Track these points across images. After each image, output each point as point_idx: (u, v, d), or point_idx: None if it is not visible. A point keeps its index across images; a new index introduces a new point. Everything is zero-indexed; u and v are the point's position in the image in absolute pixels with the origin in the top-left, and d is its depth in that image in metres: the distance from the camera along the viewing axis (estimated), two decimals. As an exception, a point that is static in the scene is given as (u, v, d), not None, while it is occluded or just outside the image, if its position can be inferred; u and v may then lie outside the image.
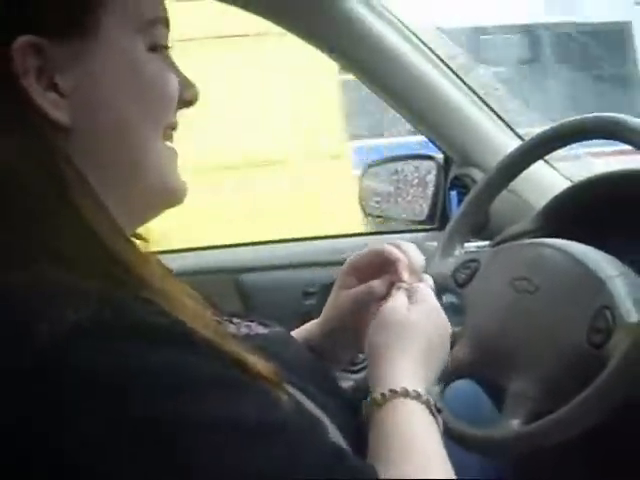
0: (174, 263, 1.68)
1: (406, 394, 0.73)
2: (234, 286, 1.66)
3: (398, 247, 0.91)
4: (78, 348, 0.55)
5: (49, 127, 0.65)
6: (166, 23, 0.73)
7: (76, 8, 0.66)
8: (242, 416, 0.58)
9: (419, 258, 0.91)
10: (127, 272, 0.63)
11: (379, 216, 1.84)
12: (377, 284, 0.91)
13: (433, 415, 0.74)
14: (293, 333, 0.98)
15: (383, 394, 0.74)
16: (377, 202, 1.85)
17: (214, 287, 1.61)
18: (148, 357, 0.57)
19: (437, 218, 1.70)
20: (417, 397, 0.74)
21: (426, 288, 0.86)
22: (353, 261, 0.95)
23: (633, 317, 0.90)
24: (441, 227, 1.34)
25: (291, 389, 0.71)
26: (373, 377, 0.78)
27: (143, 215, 0.76)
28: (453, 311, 1.18)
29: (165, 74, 0.71)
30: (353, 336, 0.92)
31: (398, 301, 0.83)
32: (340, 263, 0.96)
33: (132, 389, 0.55)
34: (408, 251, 0.90)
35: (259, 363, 0.64)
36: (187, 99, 0.75)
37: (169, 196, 0.75)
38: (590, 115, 1.10)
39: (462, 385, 1.18)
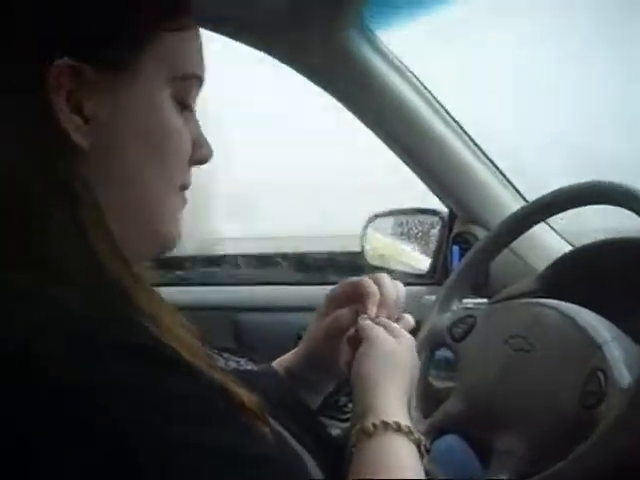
0: (174, 297, 1.71)
1: (398, 429, 0.74)
2: (230, 324, 1.66)
3: (375, 280, 0.92)
4: (58, 359, 0.55)
5: (69, 147, 0.66)
6: (199, 83, 0.75)
7: (123, 42, 0.68)
8: (223, 444, 0.58)
9: (393, 292, 0.92)
10: (122, 294, 0.63)
11: (380, 267, 1.85)
12: (342, 313, 0.93)
13: (421, 455, 0.75)
14: (276, 362, 1.00)
15: (375, 424, 0.74)
16: (380, 253, 1.86)
17: (211, 324, 1.63)
18: (130, 375, 0.56)
19: (438, 273, 1.70)
20: (408, 433, 0.74)
21: (394, 324, 0.88)
22: (332, 292, 0.97)
23: (626, 381, 0.90)
24: (441, 282, 1.35)
25: (275, 425, 0.71)
26: (364, 406, 0.78)
27: (136, 254, 0.75)
28: (448, 366, 1.19)
29: (182, 130, 0.73)
30: (329, 365, 0.93)
31: (380, 333, 0.85)
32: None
33: (114, 407, 0.55)
34: (383, 285, 0.92)
35: (244, 395, 0.64)
36: (198, 158, 0.77)
37: (163, 243, 0.75)
38: (591, 181, 1.11)
39: (450, 440, 1.18)
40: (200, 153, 0.76)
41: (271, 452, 0.62)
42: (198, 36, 0.75)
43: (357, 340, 0.86)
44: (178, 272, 2.23)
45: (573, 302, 1.09)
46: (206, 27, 1.40)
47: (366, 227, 1.87)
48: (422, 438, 0.76)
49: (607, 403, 0.90)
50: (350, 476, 0.72)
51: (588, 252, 1.34)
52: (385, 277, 0.93)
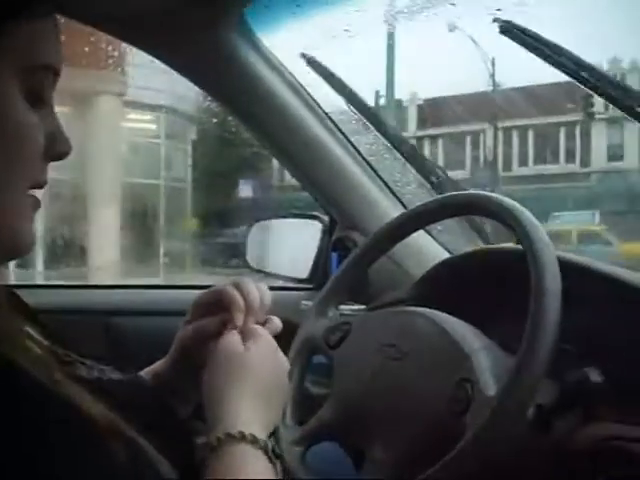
0: (45, 299, 1.65)
1: (242, 438, 0.73)
2: (103, 328, 1.62)
3: (239, 287, 0.91)
4: None
5: None
6: (55, 73, 0.72)
7: None
8: (61, 471, 0.56)
9: (257, 297, 0.90)
10: None
11: (261, 271, 1.84)
12: (207, 322, 0.92)
13: (271, 460, 0.74)
14: (146, 370, 0.98)
15: (219, 438, 0.73)
16: (261, 256, 1.85)
17: (83, 327, 1.59)
18: None
19: (318, 278, 1.70)
20: (254, 442, 0.73)
21: (261, 329, 0.87)
22: (196, 300, 0.95)
23: (491, 390, 0.91)
24: (320, 287, 1.34)
25: (134, 435, 0.69)
26: (209, 420, 0.77)
27: None
28: (324, 372, 1.18)
29: (33, 125, 0.69)
30: (196, 373, 0.90)
31: (232, 342, 0.83)
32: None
33: None
34: (247, 291, 0.90)
35: (96, 410, 0.62)
36: (54, 154, 0.73)
37: (11, 248, 0.72)
38: (468, 192, 1.13)
39: (327, 447, 1.17)
40: (56, 149, 0.73)
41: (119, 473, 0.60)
42: (54, 25, 0.71)
43: None
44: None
45: (447, 310, 1.11)
46: (89, 24, 1.37)
47: (249, 230, 1.86)
48: (269, 443, 0.75)
49: (473, 412, 0.91)
50: None
51: (463, 260, 1.37)
52: (248, 282, 0.92)
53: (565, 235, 10.51)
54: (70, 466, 0.57)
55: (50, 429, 0.58)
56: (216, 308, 0.91)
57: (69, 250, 8.00)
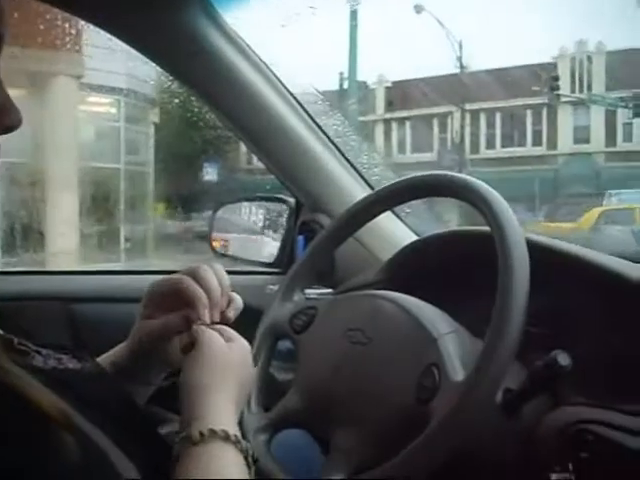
0: (8, 286, 1.61)
1: (226, 438, 0.73)
2: (65, 315, 1.58)
3: (196, 276, 0.88)
4: None
5: None
6: None
7: None
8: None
9: (216, 283, 0.88)
10: None
11: (226, 255, 1.81)
12: (172, 318, 0.90)
13: (248, 465, 0.74)
14: (103, 357, 0.96)
15: (201, 433, 0.72)
16: (226, 241, 1.82)
17: (44, 314, 1.55)
18: None
19: (284, 262, 1.68)
20: (236, 443, 0.73)
21: (228, 329, 0.85)
22: (151, 291, 0.93)
23: (459, 376, 0.90)
24: (286, 271, 1.32)
25: (88, 426, 0.68)
26: (191, 414, 0.76)
27: None
28: (290, 357, 1.16)
29: None
30: (157, 360, 0.92)
31: (215, 340, 0.82)
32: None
33: None
34: (205, 279, 0.88)
35: (46, 401, 0.61)
36: (5, 125, 0.71)
37: None
38: (432, 173, 1.11)
39: (294, 433, 1.16)
40: (5, 120, 0.71)
41: (63, 469, 0.59)
42: None
43: (192, 347, 0.83)
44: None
45: (415, 293, 1.09)
46: (46, 1, 1.33)
47: (214, 214, 1.83)
48: (250, 448, 0.75)
49: (440, 398, 0.89)
50: None
51: (431, 243, 1.35)
52: (205, 270, 0.89)
53: (629, 213, 10.32)
54: (16, 458, 0.56)
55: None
56: (173, 299, 0.89)
57: (27, 236, 7.89)
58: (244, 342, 0.86)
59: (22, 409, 0.59)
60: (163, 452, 0.75)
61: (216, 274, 0.89)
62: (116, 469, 0.67)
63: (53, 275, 1.82)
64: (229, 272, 1.76)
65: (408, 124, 20.17)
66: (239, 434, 0.75)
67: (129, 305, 1.54)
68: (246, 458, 0.74)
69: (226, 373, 0.80)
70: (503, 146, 19.56)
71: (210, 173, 12.81)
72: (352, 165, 1.57)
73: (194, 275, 0.88)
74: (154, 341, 0.92)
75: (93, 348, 0.94)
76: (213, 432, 0.72)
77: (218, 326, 0.86)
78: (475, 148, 19.28)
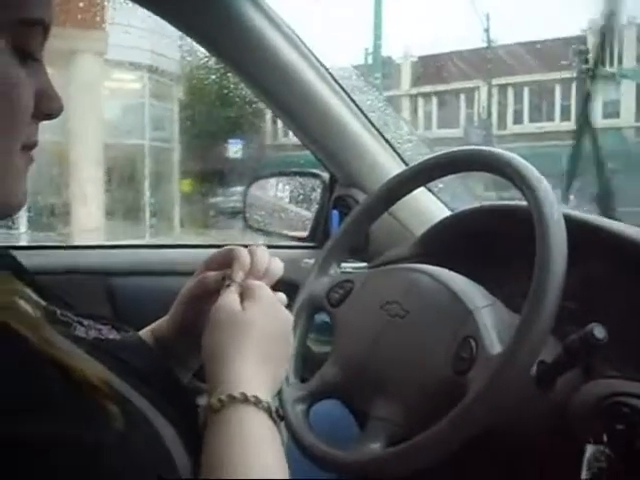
0: (45, 259, 1.64)
1: (245, 400, 0.72)
2: (103, 288, 1.61)
3: (251, 250, 0.90)
4: None
5: None
6: (44, 29, 0.69)
7: None
8: (56, 435, 0.56)
9: (264, 263, 0.89)
10: None
11: (261, 230, 1.82)
12: (208, 276, 0.91)
13: (274, 421, 0.73)
14: (145, 331, 0.97)
15: (221, 400, 0.72)
16: (260, 216, 1.83)
17: (83, 288, 1.58)
18: None
19: (319, 236, 1.69)
20: (257, 403, 0.72)
21: (262, 285, 0.84)
22: (207, 259, 0.94)
23: (496, 348, 0.91)
24: (321, 246, 1.34)
25: (135, 396, 0.69)
26: (210, 381, 0.76)
27: None
28: (327, 330, 1.18)
29: (22, 82, 0.68)
30: (195, 333, 0.88)
31: (229, 299, 0.81)
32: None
33: None
34: (256, 254, 0.89)
35: (89, 370, 0.62)
36: (46, 112, 0.72)
37: (8, 206, 0.71)
38: (468, 147, 1.12)
39: (330, 405, 1.18)
40: (47, 107, 0.72)
41: (109, 438, 0.59)
42: None
43: None
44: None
45: (450, 267, 1.10)
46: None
47: (247, 189, 1.84)
48: (272, 405, 0.73)
49: (476, 370, 0.91)
50: (204, 455, 0.69)
51: (466, 218, 1.36)
52: (261, 249, 0.91)
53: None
54: (62, 426, 0.57)
55: (40, 389, 0.58)
56: (222, 267, 0.91)
57: (53, 212, 7.96)
58: (267, 297, 0.83)
59: (67, 379, 0.60)
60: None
61: (271, 259, 0.91)
62: (160, 437, 0.68)
63: (88, 249, 1.84)
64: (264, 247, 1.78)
65: (434, 99, 20.01)
66: (261, 393, 0.73)
67: (163, 278, 1.57)
68: (270, 415, 0.73)
69: (240, 333, 0.78)
70: (531, 121, 19.35)
71: (236, 149, 12.81)
72: (386, 140, 1.58)
73: (250, 249, 0.90)
74: (191, 303, 0.92)
75: (129, 320, 0.96)
76: (232, 397, 0.72)
77: (245, 283, 0.85)
78: (502, 123, 19.10)
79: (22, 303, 0.66)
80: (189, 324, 0.93)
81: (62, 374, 0.60)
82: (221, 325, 0.79)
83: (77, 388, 0.60)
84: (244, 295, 0.83)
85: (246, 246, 0.91)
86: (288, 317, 0.85)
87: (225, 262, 0.90)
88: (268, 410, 0.72)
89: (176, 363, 0.95)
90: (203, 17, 1.37)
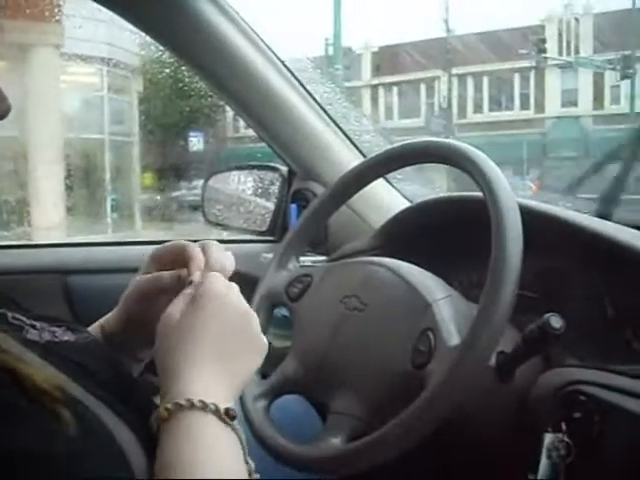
0: (1, 260, 1.61)
1: (191, 406, 0.70)
2: (60, 287, 1.59)
3: (203, 246, 0.87)
4: None
5: None
6: None
7: None
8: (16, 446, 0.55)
9: (219, 261, 0.86)
10: None
11: (219, 224, 1.81)
12: (163, 275, 0.88)
13: (225, 423, 0.71)
14: (94, 326, 0.94)
15: (167, 408, 0.70)
16: (219, 210, 1.82)
17: (40, 287, 1.56)
18: None
19: (278, 230, 1.68)
20: (203, 408, 0.70)
21: (214, 280, 0.80)
22: (155, 252, 0.92)
23: (454, 340, 0.91)
24: (280, 239, 1.33)
25: (89, 399, 0.68)
26: (162, 389, 0.74)
27: None
28: (287, 324, 1.17)
29: None
30: (144, 327, 0.86)
31: (175, 306, 0.78)
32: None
33: None
34: (210, 251, 0.86)
35: (39, 376, 0.60)
36: None
37: None
38: (430, 139, 1.12)
39: (292, 401, 1.17)
40: None
41: (62, 444, 0.59)
42: None
43: None
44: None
45: (408, 259, 1.10)
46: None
47: (206, 183, 1.82)
48: (220, 406, 0.71)
49: (435, 362, 0.91)
50: (157, 465, 0.68)
51: (424, 209, 1.36)
52: (214, 245, 0.88)
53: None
54: (12, 434, 0.56)
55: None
56: (175, 263, 0.88)
57: (12, 210, 7.84)
58: (218, 301, 0.78)
59: (17, 385, 0.59)
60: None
61: (224, 255, 0.88)
62: (115, 439, 0.67)
63: (45, 248, 1.81)
64: (223, 241, 1.77)
65: (395, 89, 20.10)
66: (208, 398, 0.71)
67: (122, 275, 1.55)
68: (220, 418, 0.71)
69: (181, 338, 0.75)
70: (491, 110, 19.53)
71: (196, 143, 12.74)
72: (344, 132, 1.57)
73: (202, 245, 0.87)
74: (142, 300, 0.90)
75: (87, 319, 0.94)
76: (178, 405, 0.70)
77: (199, 283, 0.81)
78: (463, 113, 19.25)
79: None
80: (139, 320, 0.90)
81: (12, 380, 0.59)
82: (166, 335, 0.77)
83: (28, 394, 0.59)
84: (193, 297, 0.79)
85: (196, 241, 0.89)
86: (244, 311, 0.81)
87: (176, 259, 0.88)
88: (217, 413, 0.70)
89: (126, 356, 0.93)
90: (154, 9, 1.35)
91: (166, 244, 0.92)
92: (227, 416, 0.71)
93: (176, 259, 0.88)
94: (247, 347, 0.80)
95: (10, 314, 0.78)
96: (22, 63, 7.68)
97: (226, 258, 0.87)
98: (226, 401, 0.73)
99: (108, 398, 0.70)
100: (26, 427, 0.57)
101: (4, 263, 1.62)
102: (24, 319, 0.79)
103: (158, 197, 11.17)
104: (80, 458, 0.59)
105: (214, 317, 0.77)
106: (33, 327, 0.78)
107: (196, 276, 0.83)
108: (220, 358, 0.76)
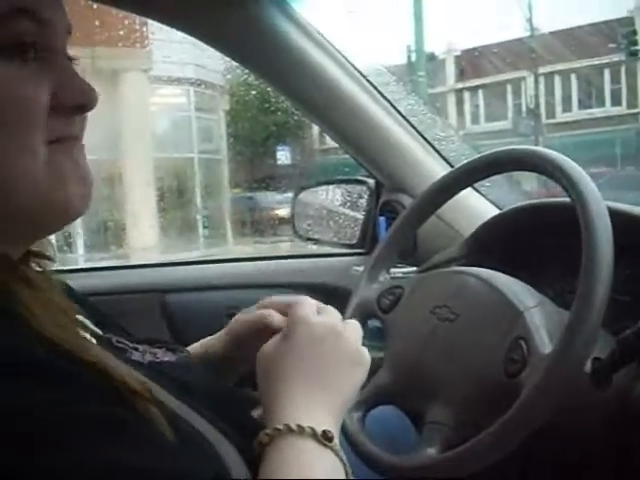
0: (101, 280, 1.68)
1: (289, 430, 0.72)
2: (159, 306, 1.64)
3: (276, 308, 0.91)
4: None
5: None
6: (31, 14, 0.65)
7: None
8: (121, 459, 0.57)
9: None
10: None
11: (310, 239, 1.84)
12: (273, 316, 0.90)
13: (324, 445, 0.72)
14: (193, 346, 0.99)
15: (268, 433, 0.72)
16: (309, 225, 1.85)
17: (139, 306, 1.62)
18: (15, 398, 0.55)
19: (367, 243, 1.70)
20: (300, 432, 0.71)
21: (301, 309, 0.81)
22: (233, 328, 0.97)
23: (547, 348, 0.91)
24: (370, 252, 1.35)
25: (193, 415, 0.70)
26: (265, 418, 0.77)
27: (31, 234, 0.72)
28: (379, 336, 1.19)
29: (21, 85, 0.64)
30: (247, 359, 0.89)
31: (271, 340, 0.81)
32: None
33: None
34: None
35: (144, 395, 0.63)
36: (71, 104, 0.68)
37: (55, 213, 0.69)
38: (517, 147, 1.12)
39: (386, 411, 1.18)
40: (70, 99, 0.68)
41: (167, 459, 0.61)
42: None
43: None
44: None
45: (498, 267, 1.10)
46: (115, 5, 1.38)
47: (295, 198, 1.86)
48: (317, 429, 0.72)
49: (529, 371, 0.90)
50: None
51: (514, 216, 1.35)
52: (290, 303, 0.87)
53: None
54: (125, 452, 0.58)
55: (101, 417, 0.59)
56: (258, 335, 0.89)
57: (108, 231, 8.09)
58: (313, 331, 0.80)
59: (127, 404, 0.61)
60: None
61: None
62: (218, 452, 0.69)
63: (143, 268, 1.88)
64: (313, 255, 1.81)
65: (480, 93, 19.84)
66: (305, 422, 0.72)
67: (216, 293, 1.60)
68: (319, 442, 0.72)
69: (279, 366, 0.78)
70: (580, 108, 19.04)
71: (284, 157, 12.87)
72: (430, 143, 1.58)
73: (279, 307, 0.90)
74: (247, 339, 0.93)
75: (185, 335, 0.98)
76: (277, 430, 0.72)
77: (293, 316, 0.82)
78: (551, 112, 18.82)
79: (83, 332, 0.68)
80: (241, 354, 0.95)
81: (120, 399, 0.61)
82: (264, 369, 0.79)
83: (135, 410, 0.62)
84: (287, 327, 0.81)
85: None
86: (333, 329, 0.81)
87: (253, 330, 0.92)
88: (314, 436, 0.72)
89: (225, 371, 0.97)
90: (238, 36, 1.40)
91: (245, 318, 0.95)
92: (325, 438, 0.72)
93: (260, 330, 0.90)
94: (345, 364, 0.81)
95: (115, 338, 0.82)
96: (114, 88, 7.95)
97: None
98: (326, 423, 0.74)
99: (209, 415, 0.73)
100: (134, 442, 0.60)
101: (105, 284, 1.69)
102: (127, 342, 0.83)
103: (248, 211, 11.33)
104: (186, 474, 0.62)
105: (305, 343, 0.79)
106: (135, 349, 0.82)
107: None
108: (317, 381, 0.77)
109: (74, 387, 0.59)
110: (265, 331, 0.87)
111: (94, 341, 0.73)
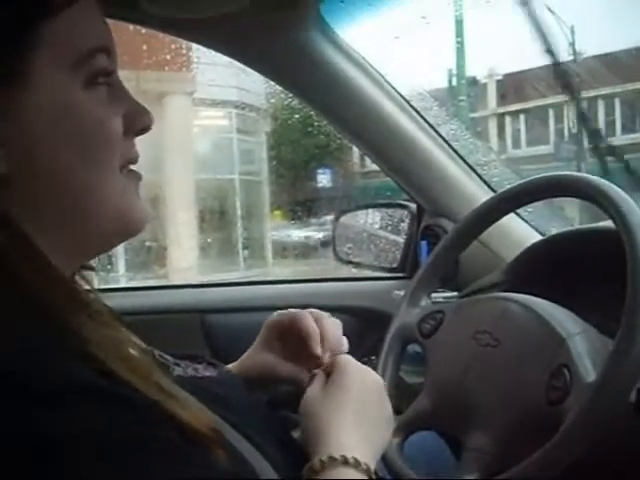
0: (141, 300, 1.70)
1: (345, 462, 0.73)
2: (200, 326, 1.66)
3: (316, 319, 0.92)
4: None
5: None
6: (107, 50, 0.70)
7: (6, 55, 0.65)
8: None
9: (332, 329, 0.92)
10: (59, 327, 0.62)
11: (350, 262, 1.84)
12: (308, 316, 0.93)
13: None
14: (233, 365, 0.99)
15: (322, 461, 0.73)
16: (349, 248, 1.85)
17: (180, 326, 1.64)
18: (76, 421, 0.56)
19: (408, 267, 1.70)
20: (356, 465, 0.73)
21: (347, 365, 0.84)
22: (270, 321, 0.98)
23: (590, 376, 0.90)
24: (411, 276, 1.34)
25: (232, 432, 0.71)
26: (312, 443, 0.77)
27: (100, 247, 0.76)
28: (419, 361, 1.18)
29: (101, 112, 0.69)
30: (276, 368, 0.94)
31: (314, 387, 0.83)
32: (303, 308, 0.96)
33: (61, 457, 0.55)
34: (325, 324, 0.92)
35: (196, 418, 0.64)
36: (138, 128, 0.74)
37: (124, 228, 0.74)
38: (561, 173, 1.11)
39: (425, 436, 1.18)
40: (138, 123, 0.73)
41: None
42: (91, 7, 0.70)
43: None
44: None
45: (541, 293, 1.09)
46: (163, 30, 1.41)
47: (336, 222, 1.87)
48: (371, 467, 0.74)
49: (572, 399, 0.89)
50: None
51: (557, 242, 1.35)
52: (326, 317, 0.93)
53: None
54: (171, 472, 0.59)
55: (149, 433, 0.60)
56: (290, 332, 0.93)
57: (149, 251, 8.18)
58: (350, 375, 0.83)
59: (174, 422, 0.62)
60: (299, 455, 0.77)
61: (334, 323, 0.94)
62: (255, 469, 0.70)
63: (184, 288, 1.90)
64: (354, 279, 1.81)
65: (522, 117, 19.71)
66: (361, 456, 0.74)
67: (256, 314, 1.61)
68: (369, 477, 0.73)
69: (336, 406, 0.80)
70: (624, 132, 18.82)
71: (324, 179, 12.90)
72: (472, 168, 1.58)
73: (314, 315, 0.93)
74: (275, 336, 0.97)
75: (225, 355, 0.99)
76: (332, 459, 0.72)
77: (330, 362, 0.87)
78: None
79: (130, 349, 0.69)
80: (274, 348, 0.97)
81: (167, 418, 0.62)
82: (310, 413, 0.80)
83: (185, 430, 0.62)
84: (332, 369, 0.84)
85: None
86: (377, 381, 0.86)
87: (290, 328, 0.93)
88: (367, 472, 0.73)
89: (260, 388, 0.98)
90: (283, 60, 1.41)
91: (280, 313, 0.97)
92: (377, 477, 0.74)
93: (289, 329, 0.93)
94: (382, 417, 0.84)
95: (157, 352, 0.83)
96: (159, 111, 8.07)
97: (337, 328, 0.93)
98: (372, 464, 0.76)
99: (248, 431, 0.74)
100: (184, 465, 0.60)
101: (147, 303, 1.71)
102: (168, 357, 0.84)
103: (289, 234, 11.37)
104: None
105: (353, 387, 0.81)
106: (177, 365, 0.83)
107: (325, 357, 0.89)
108: (362, 427, 0.79)
109: (139, 413, 0.60)
110: (293, 329, 0.92)
111: (139, 357, 0.74)
